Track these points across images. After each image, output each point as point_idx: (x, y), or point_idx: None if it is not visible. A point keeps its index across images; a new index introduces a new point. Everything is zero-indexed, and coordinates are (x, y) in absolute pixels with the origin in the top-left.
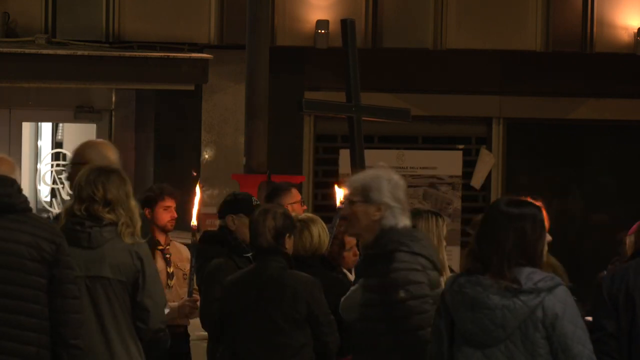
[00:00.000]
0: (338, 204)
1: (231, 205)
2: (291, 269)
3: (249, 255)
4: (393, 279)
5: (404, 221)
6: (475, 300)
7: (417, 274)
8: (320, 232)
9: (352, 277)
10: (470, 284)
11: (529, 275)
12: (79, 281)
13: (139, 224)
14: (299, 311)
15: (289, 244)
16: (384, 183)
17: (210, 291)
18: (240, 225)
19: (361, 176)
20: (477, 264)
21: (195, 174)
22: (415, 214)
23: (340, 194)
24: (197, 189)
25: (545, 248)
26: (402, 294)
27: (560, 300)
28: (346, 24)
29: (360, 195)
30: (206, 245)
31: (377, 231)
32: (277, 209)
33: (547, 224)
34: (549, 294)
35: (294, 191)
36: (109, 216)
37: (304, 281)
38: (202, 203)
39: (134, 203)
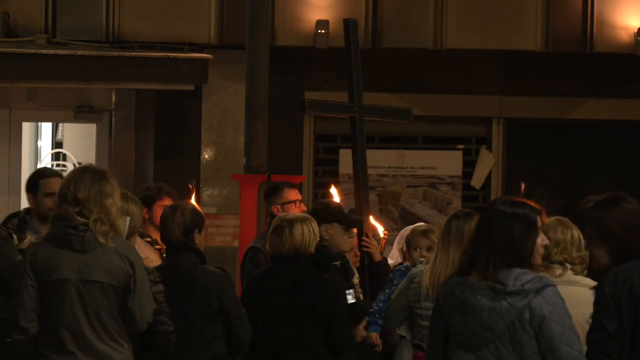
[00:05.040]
0: None
1: (324, 215)
2: (203, 264)
3: (337, 263)
4: None
5: None
6: (464, 302)
7: None
8: (310, 229)
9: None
10: (460, 285)
11: (518, 276)
12: (67, 284)
13: (117, 222)
14: (210, 305)
15: (199, 239)
16: None
17: None
18: (334, 234)
19: None
20: (466, 262)
21: (191, 185)
22: (467, 216)
23: (335, 195)
24: (193, 193)
25: (541, 251)
26: None
27: (548, 302)
28: (349, 24)
29: None
30: None
31: None
32: (186, 206)
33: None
34: (536, 295)
35: (287, 191)
36: (78, 218)
37: (214, 275)
38: (202, 203)
39: (110, 201)
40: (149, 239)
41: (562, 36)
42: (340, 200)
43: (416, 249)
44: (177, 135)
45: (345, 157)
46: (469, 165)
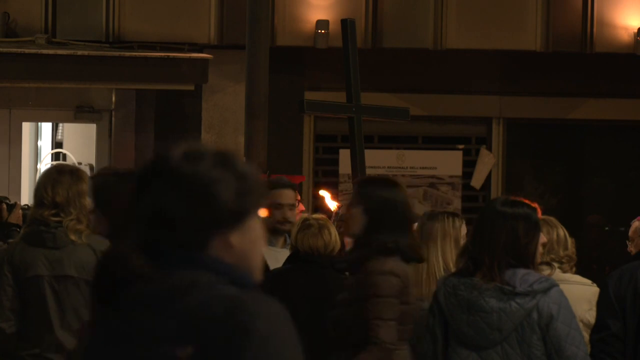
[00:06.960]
0: (335, 206)
1: None
2: None
3: None
4: None
5: None
6: (471, 303)
7: None
8: (335, 233)
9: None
10: (465, 286)
11: (524, 277)
12: (41, 280)
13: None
14: None
15: None
16: None
17: None
18: None
19: None
20: (469, 264)
21: None
22: (431, 216)
23: (327, 197)
24: None
25: (541, 250)
26: None
27: (555, 302)
28: (346, 24)
29: None
30: None
31: None
32: None
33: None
34: (544, 295)
35: (286, 192)
36: (53, 219)
37: None
38: None
39: (88, 201)
40: None
41: (562, 36)
42: (338, 203)
43: None
44: (177, 135)
45: (345, 157)
46: (469, 165)
